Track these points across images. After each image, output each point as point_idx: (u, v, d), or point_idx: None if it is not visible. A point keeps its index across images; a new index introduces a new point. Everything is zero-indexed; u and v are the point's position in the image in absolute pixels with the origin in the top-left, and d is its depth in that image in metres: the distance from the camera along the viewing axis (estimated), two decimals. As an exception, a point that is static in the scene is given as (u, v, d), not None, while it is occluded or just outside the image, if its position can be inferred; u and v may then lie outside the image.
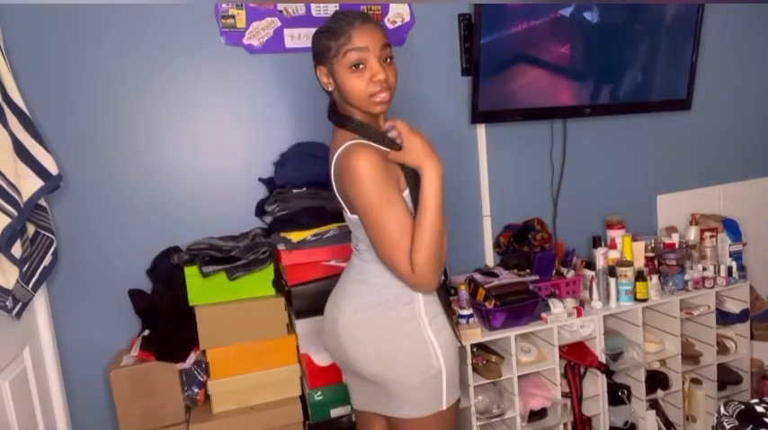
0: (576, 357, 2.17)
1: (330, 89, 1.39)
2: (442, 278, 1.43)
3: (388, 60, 1.33)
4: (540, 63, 2.27)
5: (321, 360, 1.89)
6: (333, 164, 1.36)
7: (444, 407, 1.39)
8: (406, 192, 1.33)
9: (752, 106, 2.88)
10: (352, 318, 1.39)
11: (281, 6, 2.06)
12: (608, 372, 2.19)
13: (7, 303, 1.57)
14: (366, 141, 1.32)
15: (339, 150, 1.33)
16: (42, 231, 1.77)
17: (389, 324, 1.37)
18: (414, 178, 1.33)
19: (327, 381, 1.90)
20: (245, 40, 2.05)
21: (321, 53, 1.35)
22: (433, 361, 1.36)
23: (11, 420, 1.58)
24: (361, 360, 1.39)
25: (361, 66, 1.30)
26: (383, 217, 1.26)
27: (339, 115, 1.40)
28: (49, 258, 1.79)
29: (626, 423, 2.26)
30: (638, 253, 2.30)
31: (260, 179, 2.11)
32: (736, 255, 2.43)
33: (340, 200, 1.39)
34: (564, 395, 2.17)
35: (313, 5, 2.09)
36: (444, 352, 1.38)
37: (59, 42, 1.88)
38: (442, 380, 1.37)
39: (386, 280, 1.36)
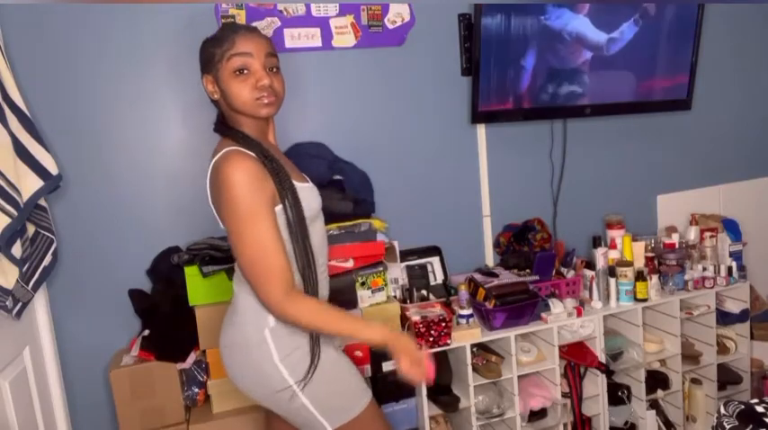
0: (576, 357, 2.17)
1: (216, 98, 1.38)
2: None
3: (274, 70, 1.35)
4: (540, 63, 2.26)
5: (321, 360, 1.89)
6: (209, 171, 1.34)
7: (331, 429, 1.38)
8: (279, 208, 1.30)
9: (752, 106, 2.88)
10: (222, 350, 1.43)
11: (281, 6, 2.06)
12: (608, 372, 2.20)
13: (7, 303, 1.57)
14: (244, 149, 1.30)
15: (217, 156, 1.31)
16: (42, 231, 1.77)
17: (246, 363, 1.36)
18: (290, 194, 1.30)
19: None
20: (245, 40, 2.04)
21: (207, 61, 1.36)
22: (288, 396, 1.34)
23: (11, 420, 1.58)
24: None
25: (245, 71, 1.31)
26: (248, 229, 1.24)
27: (226, 126, 1.40)
28: (48, 258, 1.79)
29: (626, 423, 2.27)
30: (638, 253, 2.30)
31: (260, 179, 2.11)
32: (736, 255, 2.43)
33: (213, 211, 1.38)
34: (564, 395, 2.17)
35: (313, 5, 2.09)
36: (307, 387, 1.34)
37: (59, 42, 1.88)
38: (311, 412, 1.36)
39: (245, 319, 1.36)
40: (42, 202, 1.76)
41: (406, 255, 2.26)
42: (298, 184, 1.35)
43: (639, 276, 2.22)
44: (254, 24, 1.31)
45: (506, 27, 2.17)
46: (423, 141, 2.31)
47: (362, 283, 1.98)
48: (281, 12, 2.06)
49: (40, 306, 1.87)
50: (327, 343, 1.41)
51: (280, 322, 1.33)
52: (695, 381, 2.39)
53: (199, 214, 2.05)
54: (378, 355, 1.93)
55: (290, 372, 1.34)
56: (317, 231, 1.42)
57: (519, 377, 2.06)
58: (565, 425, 2.18)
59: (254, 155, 1.29)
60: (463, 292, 2.04)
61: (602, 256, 2.23)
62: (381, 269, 2.01)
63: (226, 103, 1.36)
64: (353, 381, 1.45)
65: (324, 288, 1.44)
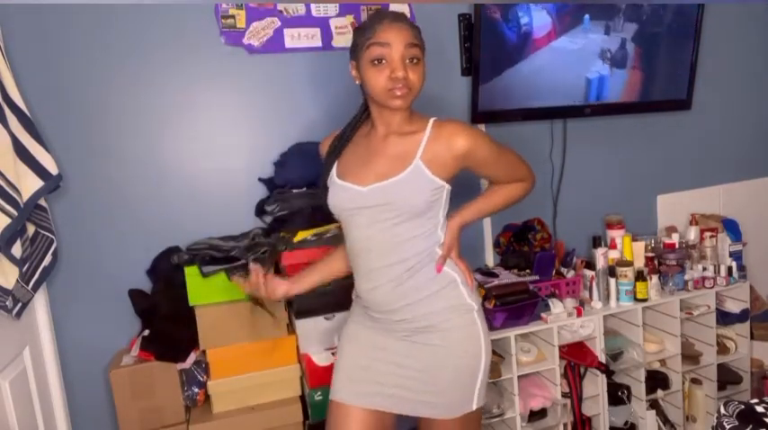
0: (576, 357, 2.17)
1: (358, 83, 1.41)
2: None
3: (415, 61, 1.33)
4: (540, 63, 2.26)
5: (321, 360, 1.89)
6: None
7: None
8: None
9: (752, 106, 2.88)
10: None
11: (281, 6, 2.06)
12: (608, 372, 2.19)
13: (7, 303, 1.57)
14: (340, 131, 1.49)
15: None
16: (42, 231, 1.77)
17: None
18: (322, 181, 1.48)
19: (327, 381, 1.88)
20: (245, 40, 2.05)
21: (353, 48, 1.38)
22: None
23: (11, 420, 1.58)
24: None
25: (383, 61, 1.31)
26: None
27: (364, 110, 1.48)
28: (48, 258, 1.79)
29: (626, 423, 2.26)
30: (638, 253, 2.30)
31: (260, 179, 2.11)
32: (736, 255, 2.43)
33: None
34: (564, 395, 2.17)
35: (313, 5, 2.09)
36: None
37: (59, 42, 1.88)
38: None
39: None
40: (42, 202, 1.76)
41: (406, 255, 2.25)
42: (337, 181, 1.43)
43: (639, 276, 2.22)
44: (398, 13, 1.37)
45: (506, 26, 2.17)
46: (423, 141, 2.31)
47: (362, 283, 1.98)
48: (281, 12, 2.06)
49: (40, 306, 1.87)
50: (352, 320, 1.54)
51: None
52: (695, 381, 2.39)
53: (199, 214, 2.06)
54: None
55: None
56: (351, 231, 1.43)
57: (519, 377, 2.06)
58: (565, 425, 2.17)
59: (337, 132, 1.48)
60: (463, 292, 2.04)
61: (602, 256, 2.23)
62: (381, 269, 2.01)
63: (364, 90, 1.39)
64: (335, 366, 1.55)
65: (364, 284, 1.43)
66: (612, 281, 2.21)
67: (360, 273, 1.44)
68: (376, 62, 1.31)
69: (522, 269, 2.23)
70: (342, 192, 1.41)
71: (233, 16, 2.02)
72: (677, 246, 2.38)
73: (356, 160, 1.43)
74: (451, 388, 1.41)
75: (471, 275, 1.45)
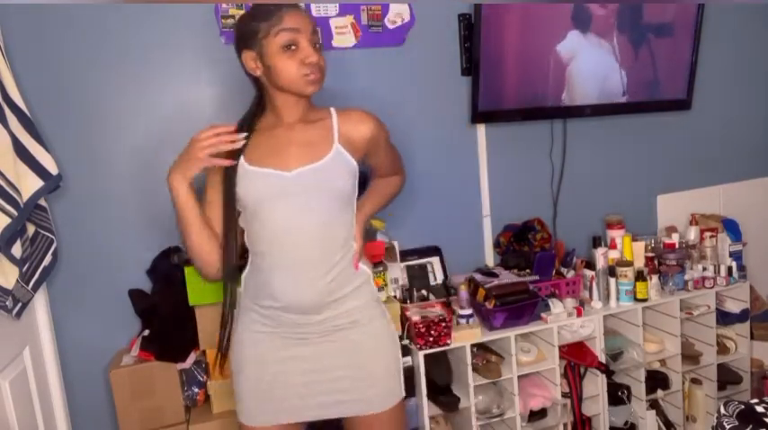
0: (576, 357, 2.17)
1: (258, 74, 1.35)
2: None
3: (319, 47, 1.35)
4: (540, 63, 2.26)
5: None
6: None
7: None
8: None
9: (752, 106, 2.88)
10: None
11: (281, 6, 2.06)
12: (608, 372, 2.20)
13: (7, 303, 1.57)
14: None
15: None
16: (42, 231, 1.77)
17: None
18: (226, 171, 1.35)
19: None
20: (245, 40, 2.04)
21: (248, 36, 1.32)
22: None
23: (11, 420, 1.58)
24: None
25: (293, 47, 1.29)
26: None
27: (259, 104, 1.43)
28: (48, 258, 1.79)
29: (626, 423, 2.27)
30: (638, 253, 2.30)
31: (260, 179, 2.11)
32: (736, 255, 2.43)
33: None
34: (564, 395, 2.17)
35: (313, 5, 2.09)
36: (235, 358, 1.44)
37: (59, 42, 1.88)
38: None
39: None
40: (42, 202, 1.76)
41: (406, 255, 2.25)
42: (251, 168, 1.33)
43: (639, 276, 2.22)
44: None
45: (506, 26, 2.17)
46: (422, 141, 2.31)
47: (362, 283, 1.98)
48: (281, 12, 2.06)
49: (40, 306, 1.87)
50: (253, 333, 1.41)
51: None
52: (695, 381, 2.39)
53: (199, 214, 2.06)
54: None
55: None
56: (271, 222, 1.33)
57: (519, 377, 2.06)
58: (565, 425, 2.18)
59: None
60: (463, 292, 2.04)
61: (602, 256, 2.23)
62: (381, 269, 2.01)
63: (268, 80, 1.35)
64: (238, 390, 1.44)
65: (286, 282, 1.33)
66: (612, 281, 2.21)
67: (280, 270, 1.33)
68: (286, 48, 1.29)
69: (522, 269, 2.23)
70: (260, 180, 1.32)
71: (233, 16, 2.02)
72: (677, 246, 2.38)
73: (265, 151, 1.35)
74: (385, 376, 1.42)
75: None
